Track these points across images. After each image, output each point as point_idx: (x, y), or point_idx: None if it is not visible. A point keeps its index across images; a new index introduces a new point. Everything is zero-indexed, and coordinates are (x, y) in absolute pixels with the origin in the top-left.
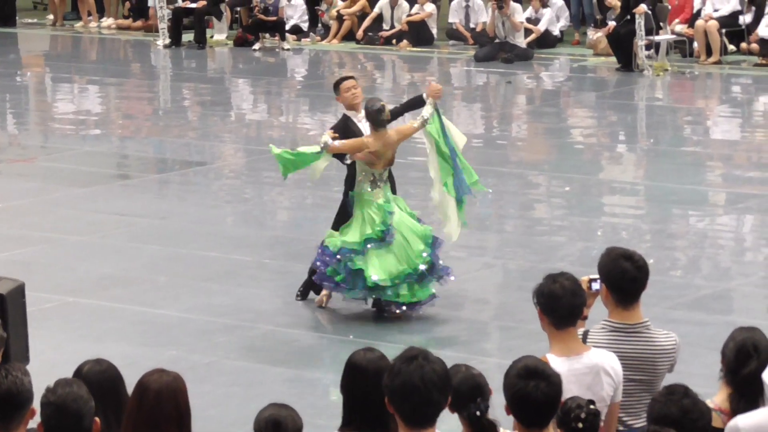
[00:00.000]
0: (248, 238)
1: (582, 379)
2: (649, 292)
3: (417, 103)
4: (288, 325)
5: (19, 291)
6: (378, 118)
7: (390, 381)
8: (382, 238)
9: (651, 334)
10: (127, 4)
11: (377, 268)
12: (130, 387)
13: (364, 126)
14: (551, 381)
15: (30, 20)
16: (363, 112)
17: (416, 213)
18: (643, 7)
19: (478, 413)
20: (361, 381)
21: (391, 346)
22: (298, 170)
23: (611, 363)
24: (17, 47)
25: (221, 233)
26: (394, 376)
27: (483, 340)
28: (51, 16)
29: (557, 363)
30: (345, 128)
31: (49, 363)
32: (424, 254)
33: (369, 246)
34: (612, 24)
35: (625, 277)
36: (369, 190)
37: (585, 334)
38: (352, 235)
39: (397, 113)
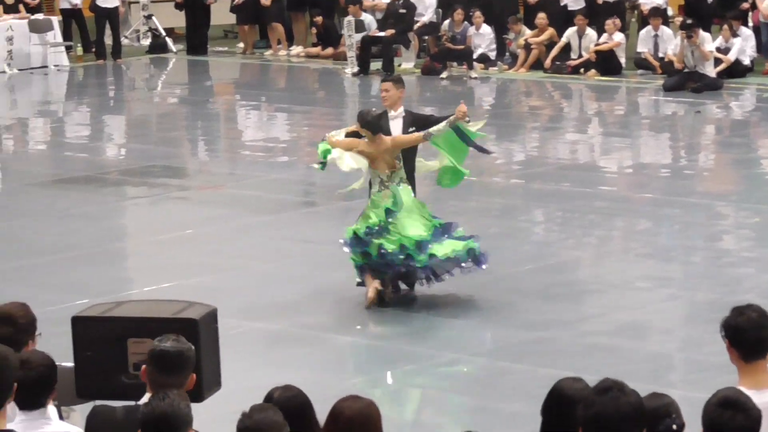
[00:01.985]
0: None
1: None
2: None
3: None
4: (474, 353)
5: (212, 316)
6: (375, 125)
7: (584, 412)
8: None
9: None
10: (314, 30)
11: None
12: (318, 413)
13: (395, 125)
14: (749, 414)
15: (221, 48)
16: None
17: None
18: None
19: (674, 427)
20: (564, 408)
21: (579, 376)
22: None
23: None
24: (208, 75)
25: None
26: (588, 407)
27: (668, 372)
28: (241, 45)
29: None
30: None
31: (239, 388)
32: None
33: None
34: None
35: None
36: (377, 191)
37: None
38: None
39: (430, 123)
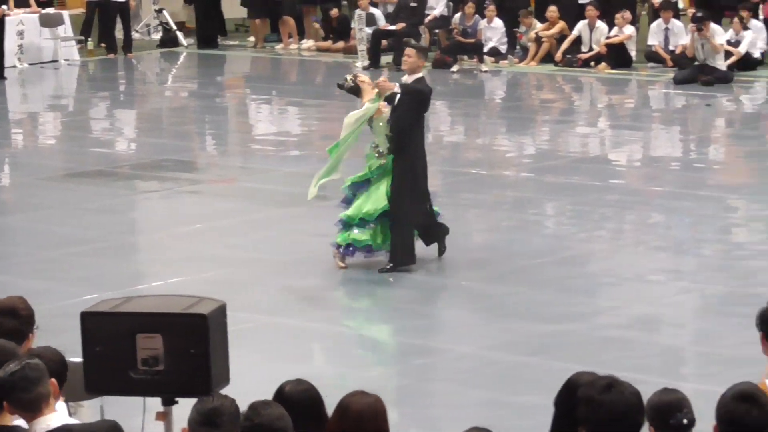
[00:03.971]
0: (445, 260)
1: None
2: None
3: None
4: (487, 347)
5: (221, 311)
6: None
7: (592, 412)
8: None
9: None
10: (315, 25)
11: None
12: (329, 407)
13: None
14: (765, 408)
15: (232, 42)
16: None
17: None
18: None
19: (685, 421)
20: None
21: (586, 370)
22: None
23: None
24: (220, 69)
25: (418, 254)
26: (595, 408)
27: (680, 366)
28: (252, 38)
29: None
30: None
31: (248, 384)
32: None
33: None
34: None
35: None
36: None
37: None
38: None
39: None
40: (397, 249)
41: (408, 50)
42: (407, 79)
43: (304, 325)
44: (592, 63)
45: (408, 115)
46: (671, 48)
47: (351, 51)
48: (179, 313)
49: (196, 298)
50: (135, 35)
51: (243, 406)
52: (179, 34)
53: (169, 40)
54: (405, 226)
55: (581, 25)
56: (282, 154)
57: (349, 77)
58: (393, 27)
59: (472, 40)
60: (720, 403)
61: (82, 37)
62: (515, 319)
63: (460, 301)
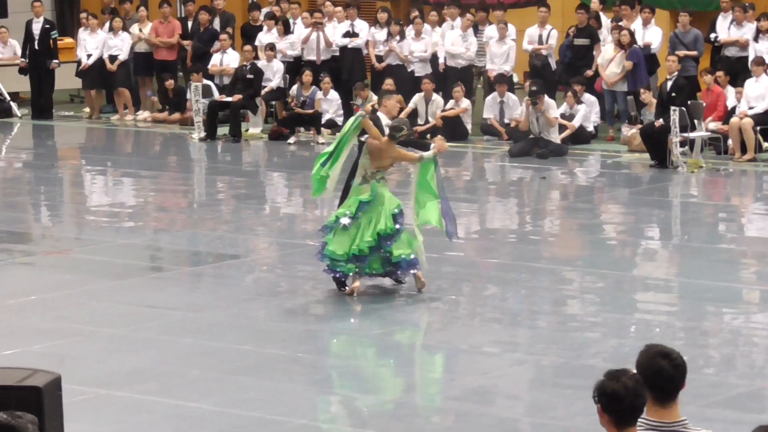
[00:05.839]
0: (281, 332)
1: None
2: (682, 390)
3: (422, 146)
4: (322, 420)
5: (56, 384)
6: (394, 135)
7: None
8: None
9: None
10: (154, 99)
11: (333, 244)
12: None
13: (386, 129)
14: None
15: (66, 113)
16: (390, 123)
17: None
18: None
19: None
20: None
21: None
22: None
23: None
24: (53, 140)
25: (254, 326)
26: None
27: None
28: (87, 109)
29: None
30: (374, 119)
31: None
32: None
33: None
34: (660, 121)
35: (662, 375)
36: (359, 184)
37: None
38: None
39: (406, 143)
40: None
41: (399, 97)
42: (388, 122)
43: (139, 397)
44: (428, 135)
45: None
46: (506, 121)
47: (187, 122)
48: (13, 386)
49: (30, 370)
50: None
51: None
52: (13, 105)
53: (2, 111)
54: None
55: (417, 98)
56: (116, 226)
57: (405, 128)
58: (229, 99)
59: (310, 112)
60: None
61: None
62: (347, 390)
63: (295, 372)
